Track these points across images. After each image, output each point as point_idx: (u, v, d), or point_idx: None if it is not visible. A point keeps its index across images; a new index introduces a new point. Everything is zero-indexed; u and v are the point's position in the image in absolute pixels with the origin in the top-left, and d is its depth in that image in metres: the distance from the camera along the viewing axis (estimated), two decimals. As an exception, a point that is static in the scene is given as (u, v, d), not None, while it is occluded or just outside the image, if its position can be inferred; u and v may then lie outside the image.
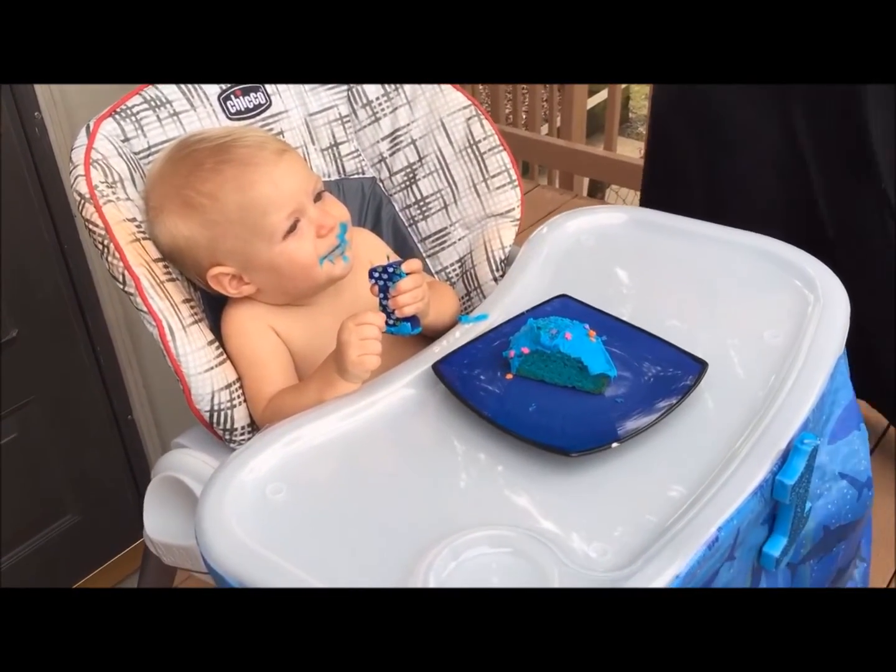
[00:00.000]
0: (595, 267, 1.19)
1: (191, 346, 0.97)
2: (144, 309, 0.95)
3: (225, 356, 1.04)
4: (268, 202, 0.98)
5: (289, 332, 1.07)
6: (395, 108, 1.26)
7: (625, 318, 1.06)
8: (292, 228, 1.01)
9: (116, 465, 1.87)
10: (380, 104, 1.26)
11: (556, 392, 0.96)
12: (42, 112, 1.51)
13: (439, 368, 0.98)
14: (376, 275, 0.98)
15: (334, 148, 1.26)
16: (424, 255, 1.29)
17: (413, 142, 1.26)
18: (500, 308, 1.10)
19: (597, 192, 3.62)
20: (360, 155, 1.28)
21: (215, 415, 1.00)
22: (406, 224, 1.30)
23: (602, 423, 0.92)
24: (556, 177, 3.37)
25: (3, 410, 1.63)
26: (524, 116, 3.34)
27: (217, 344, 1.03)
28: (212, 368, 0.99)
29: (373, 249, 1.15)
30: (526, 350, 0.96)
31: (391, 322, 0.98)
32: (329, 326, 1.02)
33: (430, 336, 1.08)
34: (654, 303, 1.12)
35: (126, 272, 0.95)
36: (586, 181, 3.36)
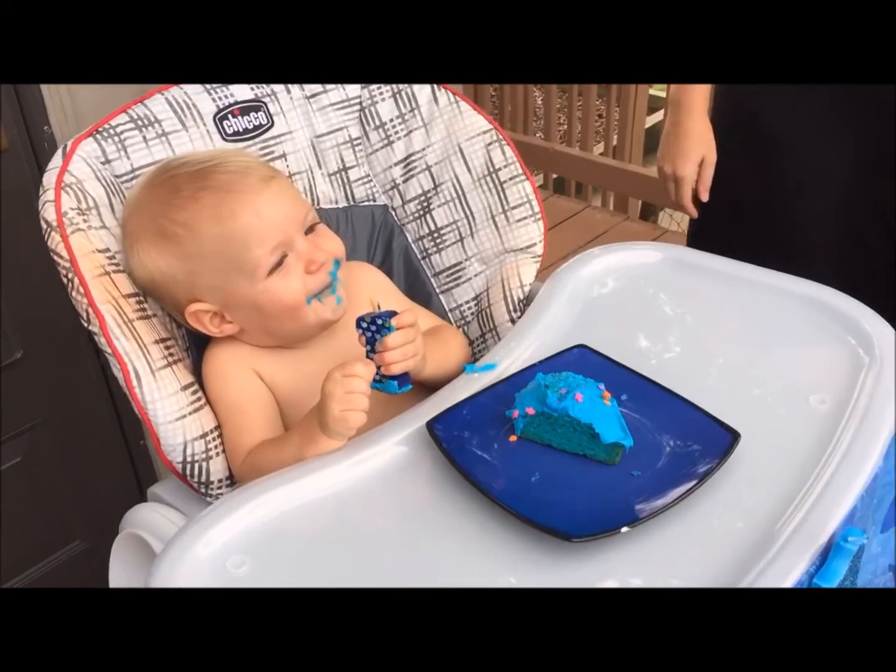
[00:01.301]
0: (623, 312, 1.08)
1: (160, 393, 0.88)
2: (108, 350, 0.86)
3: (203, 401, 0.94)
4: (249, 234, 0.89)
5: (274, 376, 0.97)
6: (410, 132, 1.16)
7: (651, 374, 0.93)
8: (278, 264, 0.91)
9: (127, 491, 1.80)
10: (394, 126, 1.16)
11: (563, 460, 0.85)
12: (52, 126, 1.44)
13: (434, 427, 0.87)
14: (364, 325, 0.88)
15: (343, 173, 1.16)
16: (438, 290, 1.19)
17: (428, 168, 1.16)
18: (510, 357, 0.99)
19: (649, 216, 3.47)
20: (370, 181, 1.18)
21: (188, 466, 0.91)
22: (419, 256, 1.19)
23: (613, 500, 0.80)
24: (610, 198, 3.25)
25: (9, 433, 1.57)
26: (578, 135, 3.22)
27: (195, 388, 0.93)
28: (184, 416, 0.90)
29: (376, 288, 1.05)
30: (531, 411, 0.85)
31: (378, 377, 0.87)
32: (319, 372, 0.92)
33: (430, 386, 0.98)
34: (685, 356, 1.00)
35: (90, 309, 0.86)
36: (639, 203, 3.23)
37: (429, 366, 0.95)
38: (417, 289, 1.19)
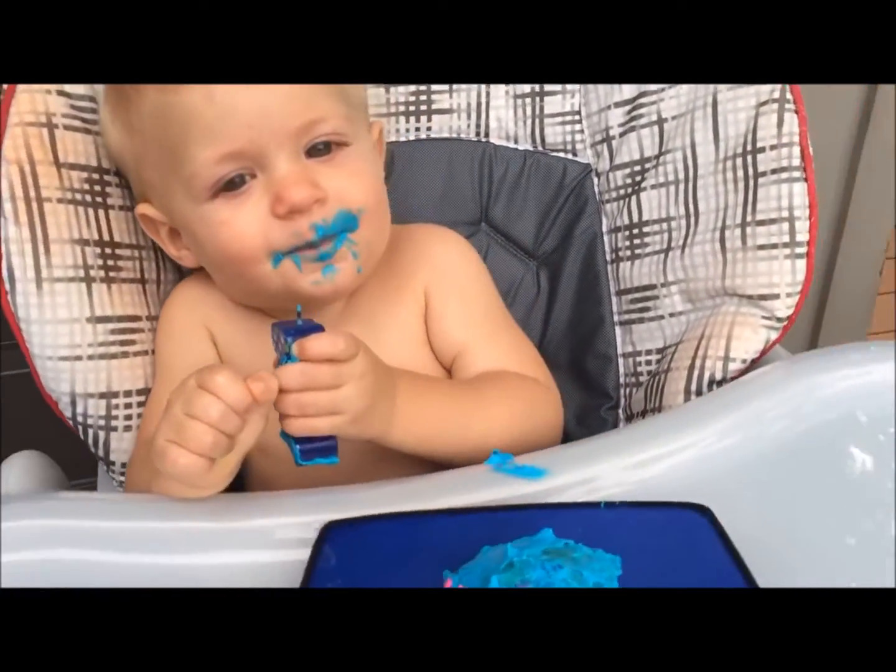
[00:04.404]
0: (844, 471, 0.54)
1: (42, 312, 0.60)
2: None
3: (141, 348, 0.65)
4: (190, 122, 0.55)
5: (230, 345, 0.65)
6: (655, 57, 0.71)
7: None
8: (233, 184, 0.56)
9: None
10: (633, 44, 0.71)
11: None
12: None
13: (329, 535, 0.48)
14: (273, 336, 0.52)
15: (537, 99, 0.75)
16: (616, 317, 0.74)
17: (660, 120, 0.70)
18: (581, 472, 0.54)
19: None
20: (577, 121, 0.75)
21: (81, 428, 0.64)
22: (608, 258, 0.75)
23: None
24: None
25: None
26: None
27: (130, 324, 0.64)
28: (79, 358, 0.61)
29: (449, 274, 0.66)
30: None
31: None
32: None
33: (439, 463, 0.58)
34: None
35: None
36: None
37: (411, 435, 0.55)
38: (588, 305, 0.75)
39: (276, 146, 0.55)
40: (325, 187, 0.56)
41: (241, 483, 0.68)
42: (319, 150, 0.57)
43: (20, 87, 0.62)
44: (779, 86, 0.64)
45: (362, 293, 0.64)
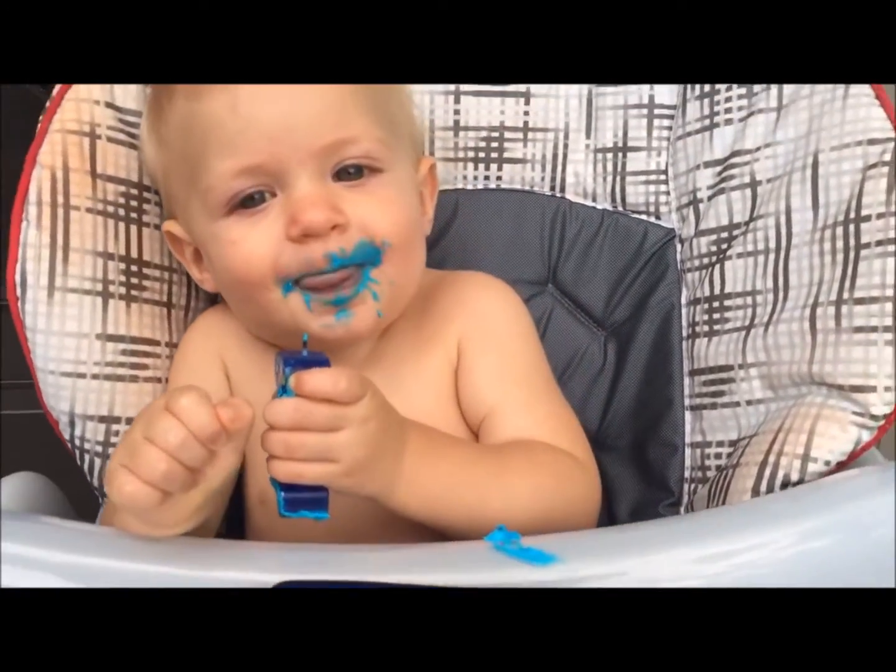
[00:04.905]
0: None
1: (49, 322, 0.56)
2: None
3: (154, 374, 0.61)
4: (210, 133, 0.51)
5: (243, 376, 0.59)
6: (752, 114, 0.63)
7: None
8: (251, 200, 0.52)
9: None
10: (730, 101, 0.64)
11: None
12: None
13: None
14: (275, 367, 0.47)
15: (620, 154, 0.68)
16: (687, 400, 0.65)
17: (753, 183, 0.62)
18: (607, 561, 0.45)
19: None
20: (663, 182, 0.68)
21: (78, 452, 0.59)
22: (684, 333, 0.66)
23: None
24: None
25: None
26: None
27: (140, 347, 0.60)
28: (83, 376, 0.57)
29: (486, 325, 0.58)
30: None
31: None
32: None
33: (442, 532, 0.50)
34: None
35: (26, 164, 0.58)
36: None
37: (416, 498, 0.48)
38: (657, 385, 0.66)
39: (298, 163, 0.51)
40: (349, 214, 0.51)
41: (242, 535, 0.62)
42: (350, 173, 0.52)
43: (67, 95, 0.60)
44: (890, 146, 0.55)
45: (392, 338, 0.58)
